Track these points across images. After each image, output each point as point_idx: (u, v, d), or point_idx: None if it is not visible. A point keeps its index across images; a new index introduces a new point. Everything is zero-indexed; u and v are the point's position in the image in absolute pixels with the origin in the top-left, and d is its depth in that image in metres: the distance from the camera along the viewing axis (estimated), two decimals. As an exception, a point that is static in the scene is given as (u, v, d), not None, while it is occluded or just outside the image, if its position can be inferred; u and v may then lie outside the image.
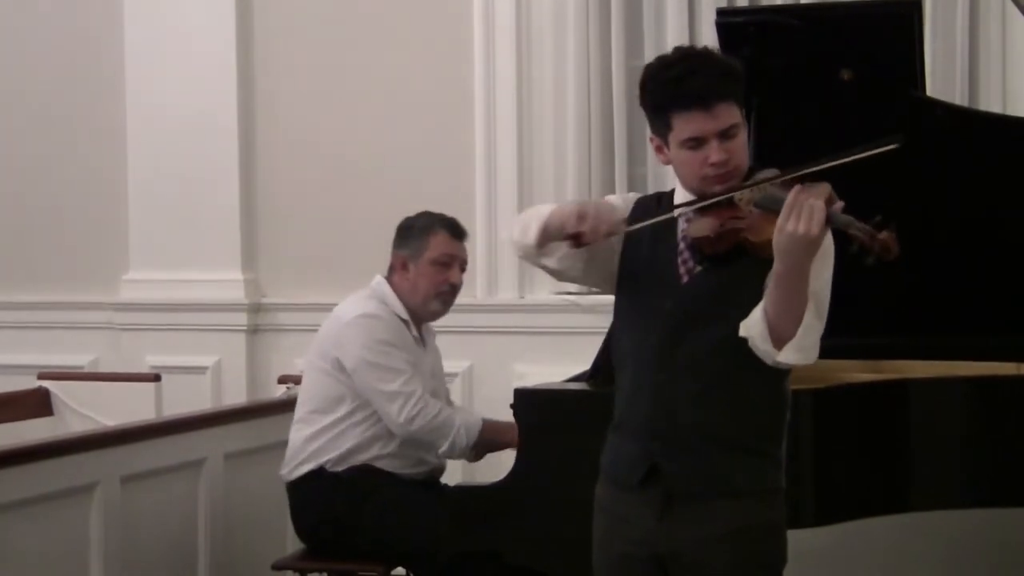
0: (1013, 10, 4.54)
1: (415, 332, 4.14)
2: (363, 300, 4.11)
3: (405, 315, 4.11)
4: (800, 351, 2.53)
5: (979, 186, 3.88)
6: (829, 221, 2.46)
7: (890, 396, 3.52)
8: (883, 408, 3.50)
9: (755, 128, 3.78)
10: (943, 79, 4.86)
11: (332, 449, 4.02)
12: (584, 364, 3.77)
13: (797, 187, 2.49)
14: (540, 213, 2.71)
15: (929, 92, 4.16)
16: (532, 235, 2.70)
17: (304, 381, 4.20)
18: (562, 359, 4.67)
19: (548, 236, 2.68)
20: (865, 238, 2.43)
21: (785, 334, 2.51)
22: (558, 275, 2.84)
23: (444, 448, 4.02)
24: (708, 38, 4.91)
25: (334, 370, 4.04)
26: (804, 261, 2.47)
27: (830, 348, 3.90)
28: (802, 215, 2.44)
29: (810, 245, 2.45)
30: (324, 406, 4.06)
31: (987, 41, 4.94)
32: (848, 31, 3.84)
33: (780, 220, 2.46)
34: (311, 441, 4.05)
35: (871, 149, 2.52)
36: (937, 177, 3.85)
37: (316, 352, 4.13)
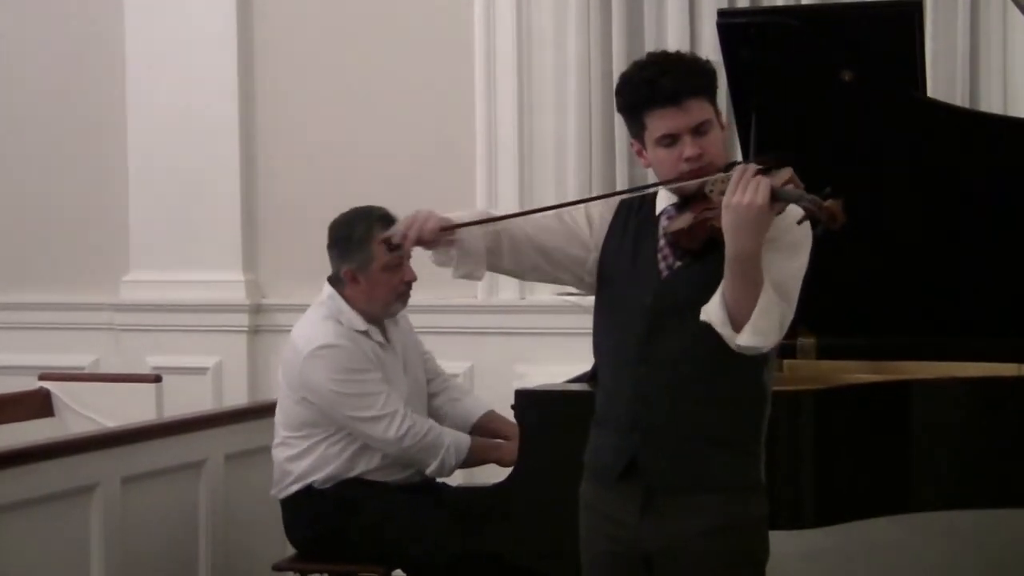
0: (1014, 10, 4.54)
1: (379, 337, 4.02)
2: (319, 323, 3.98)
3: (364, 325, 3.98)
4: (758, 333, 2.54)
5: (979, 187, 3.88)
6: (776, 196, 2.50)
7: (891, 397, 3.52)
8: (884, 409, 3.51)
9: (756, 128, 3.79)
10: (944, 80, 4.85)
11: (316, 471, 3.96)
12: (585, 365, 3.77)
13: (742, 165, 2.57)
14: None
15: (930, 93, 4.17)
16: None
17: (279, 405, 4.11)
18: (563, 360, 4.66)
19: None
20: (813, 207, 2.48)
21: (743, 317, 2.54)
22: (528, 276, 2.94)
23: (433, 467, 3.94)
24: (709, 39, 4.92)
25: (304, 402, 3.97)
26: (753, 240, 2.50)
27: (831, 348, 3.95)
28: (748, 188, 2.50)
29: (757, 219, 2.49)
30: (304, 432, 3.99)
31: (988, 41, 4.94)
32: (849, 31, 3.84)
33: (726, 197, 2.52)
34: (294, 462, 3.99)
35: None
36: (937, 178, 3.85)
37: (283, 380, 4.05)
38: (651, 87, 2.67)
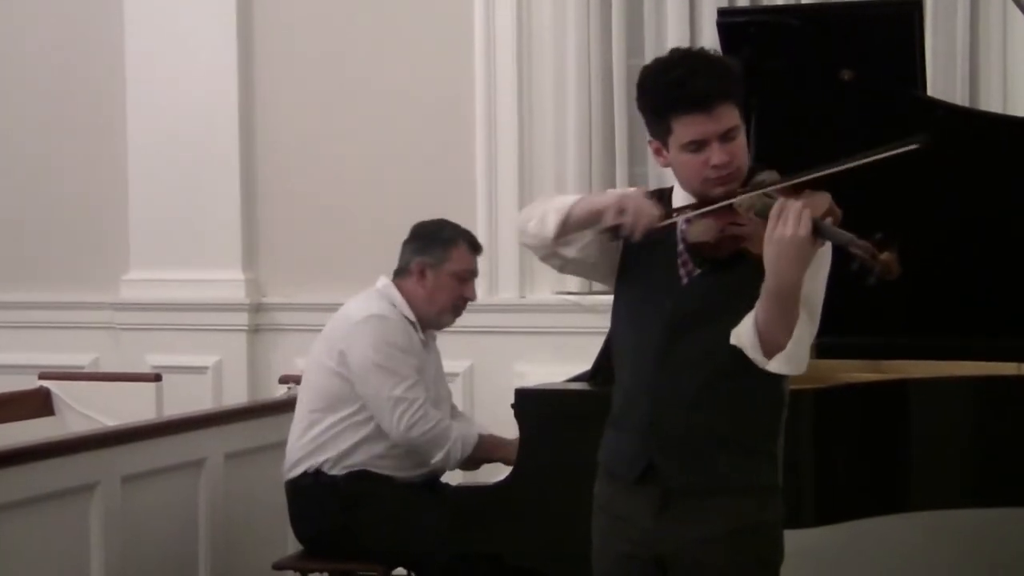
0: (1014, 10, 4.53)
1: (421, 335, 4.12)
2: (372, 300, 4.09)
3: (412, 317, 4.09)
4: (790, 363, 2.54)
5: (979, 186, 3.88)
6: (822, 232, 2.45)
7: (890, 396, 3.51)
8: (883, 408, 3.50)
9: (756, 128, 3.78)
10: (944, 79, 4.86)
11: (331, 448, 4.01)
12: (585, 364, 3.77)
13: (782, 198, 2.49)
14: (559, 204, 2.70)
15: (929, 92, 4.16)
16: (551, 226, 2.67)
17: (305, 381, 4.18)
18: (563, 359, 4.67)
19: (569, 227, 2.67)
20: (866, 257, 2.41)
21: (776, 345, 2.52)
22: (569, 267, 2.81)
23: (438, 458, 4.00)
24: (709, 38, 4.91)
25: (339, 367, 4.02)
26: (795, 274, 2.46)
27: (830, 348, 3.94)
28: (789, 219, 2.44)
29: (799, 251, 2.44)
30: (326, 405, 4.04)
31: (987, 41, 4.94)
32: (849, 31, 3.83)
33: (768, 230, 2.46)
34: (311, 441, 4.04)
35: (891, 150, 2.52)
36: (937, 177, 3.85)
37: (322, 349, 4.10)
38: (680, 90, 2.57)
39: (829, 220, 2.47)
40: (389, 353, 3.98)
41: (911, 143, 2.50)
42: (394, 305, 4.07)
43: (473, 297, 4.19)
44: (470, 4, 5.47)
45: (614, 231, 2.61)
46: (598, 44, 5.33)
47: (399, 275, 4.15)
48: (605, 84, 5.31)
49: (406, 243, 4.20)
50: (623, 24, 5.29)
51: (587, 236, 2.69)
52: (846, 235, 2.45)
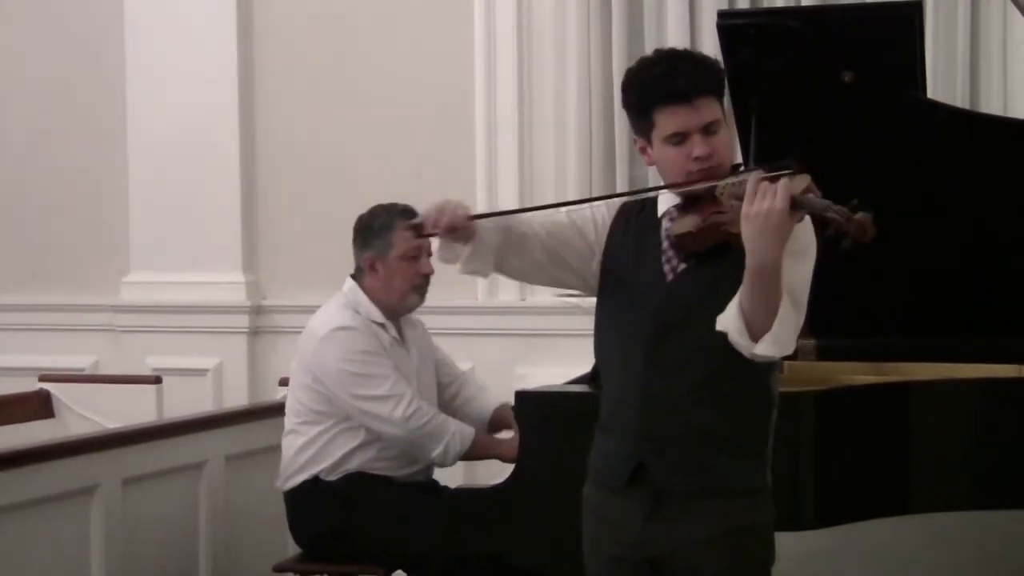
0: (1014, 12, 4.54)
1: (394, 333, 4.08)
2: (336, 310, 4.06)
3: (381, 318, 4.05)
4: (777, 344, 2.52)
5: (980, 187, 3.88)
6: (800, 204, 2.45)
7: (891, 398, 3.52)
8: (884, 410, 3.51)
9: (756, 129, 3.79)
10: (944, 81, 4.86)
11: (325, 458, 3.99)
12: (585, 366, 3.77)
13: (756, 173, 2.50)
14: None
15: (930, 94, 4.17)
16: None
17: (290, 392, 4.16)
18: (563, 361, 4.66)
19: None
20: (841, 219, 2.42)
21: (761, 328, 2.51)
22: (522, 276, 2.91)
23: (437, 452, 3.96)
24: (709, 40, 4.92)
25: (314, 383, 4.01)
26: (775, 249, 2.46)
27: (832, 349, 3.95)
28: (766, 194, 2.45)
29: (778, 226, 2.44)
30: (312, 418, 4.02)
31: (988, 43, 4.94)
32: (849, 33, 3.84)
33: (744, 207, 2.47)
34: (303, 451, 4.02)
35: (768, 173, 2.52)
36: (938, 179, 3.85)
37: (298, 366, 4.09)
38: (662, 84, 2.62)
39: (809, 195, 2.49)
40: (361, 360, 3.96)
41: (784, 168, 2.50)
42: (358, 311, 4.04)
43: (430, 271, 4.10)
44: (470, 6, 5.47)
45: (415, 228, 2.77)
46: (598, 46, 5.33)
47: (357, 276, 4.13)
48: (605, 86, 5.31)
49: (353, 243, 4.17)
50: (623, 26, 5.29)
51: (465, 253, 2.74)
52: (822, 202, 2.46)
